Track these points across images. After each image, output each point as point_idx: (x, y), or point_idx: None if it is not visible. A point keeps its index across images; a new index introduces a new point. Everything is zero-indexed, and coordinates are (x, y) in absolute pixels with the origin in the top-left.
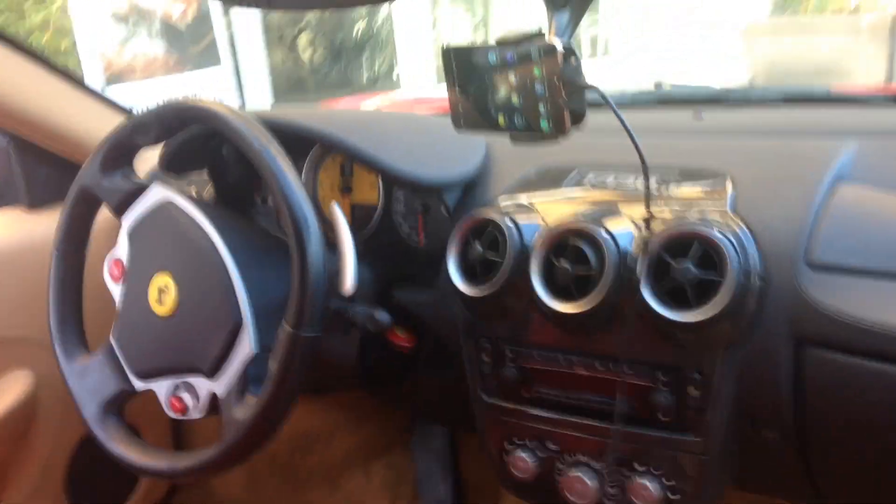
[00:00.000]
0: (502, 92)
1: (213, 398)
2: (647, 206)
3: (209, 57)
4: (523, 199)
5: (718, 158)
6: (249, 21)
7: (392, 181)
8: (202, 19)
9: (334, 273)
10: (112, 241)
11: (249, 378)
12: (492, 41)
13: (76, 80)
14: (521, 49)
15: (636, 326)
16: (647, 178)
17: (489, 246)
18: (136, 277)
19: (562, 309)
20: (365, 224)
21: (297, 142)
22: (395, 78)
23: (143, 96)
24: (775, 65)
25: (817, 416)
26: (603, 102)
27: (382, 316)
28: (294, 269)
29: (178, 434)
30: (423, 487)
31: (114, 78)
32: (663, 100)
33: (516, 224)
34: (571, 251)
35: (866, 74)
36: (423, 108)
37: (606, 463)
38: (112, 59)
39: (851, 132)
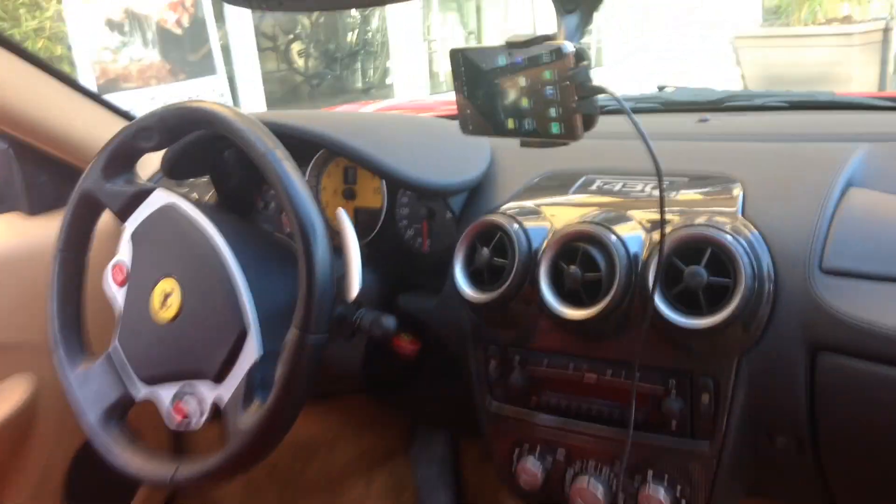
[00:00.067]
0: (511, 95)
1: (218, 404)
2: (662, 210)
3: (204, 65)
4: (530, 203)
5: (725, 163)
6: (243, 29)
7: (397, 186)
8: (197, 27)
9: (340, 278)
10: (113, 246)
11: (254, 384)
12: (484, 44)
13: (77, 85)
14: (531, 52)
15: (646, 332)
16: (661, 183)
17: (496, 251)
18: (139, 282)
19: (571, 315)
20: (368, 229)
21: (301, 146)
22: (388, 86)
23: (138, 104)
24: (767, 74)
25: (831, 421)
26: (610, 107)
27: (388, 321)
28: (301, 274)
29: (179, 439)
30: (424, 494)
31: (108, 85)
32: (667, 104)
33: (524, 229)
34: (580, 256)
35: (857, 83)
36: (427, 113)
37: (619, 470)
38: (107, 66)
39: (858, 137)
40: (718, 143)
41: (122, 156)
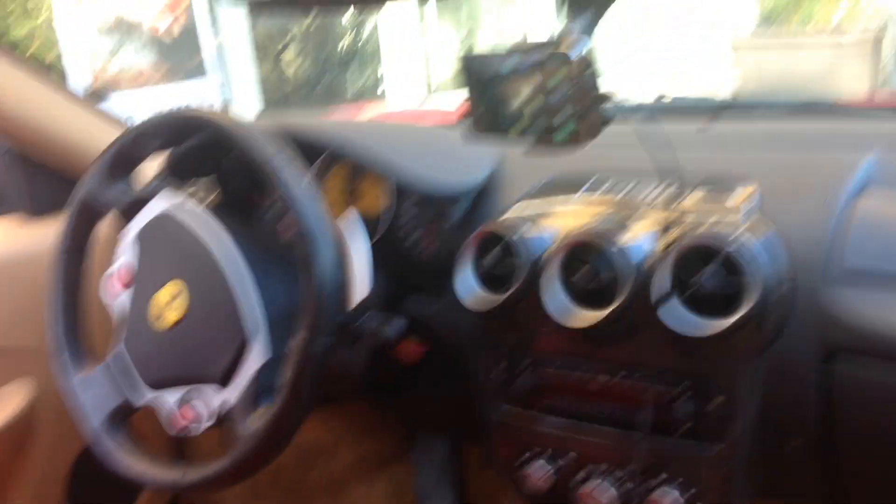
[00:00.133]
0: (519, 100)
1: (223, 408)
2: (673, 214)
3: (196, 70)
4: (536, 208)
5: (732, 168)
6: (238, 35)
7: (404, 189)
8: (189, 33)
9: (347, 281)
10: (112, 252)
11: (261, 388)
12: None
13: (73, 94)
14: (538, 57)
15: (657, 335)
16: (675, 186)
17: (502, 256)
18: (143, 286)
19: (578, 320)
20: (372, 233)
21: (304, 151)
22: (380, 91)
23: (129, 109)
24: (762, 80)
25: (845, 424)
26: (616, 113)
27: (396, 325)
28: (307, 278)
29: (180, 444)
30: (425, 499)
31: (100, 91)
32: (666, 112)
33: (530, 233)
34: (588, 260)
35: (850, 90)
36: (429, 120)
37: (632, 473)
38: (98, 72)
39: (865, 144)
40: (725, 147)
41: (120, 161)
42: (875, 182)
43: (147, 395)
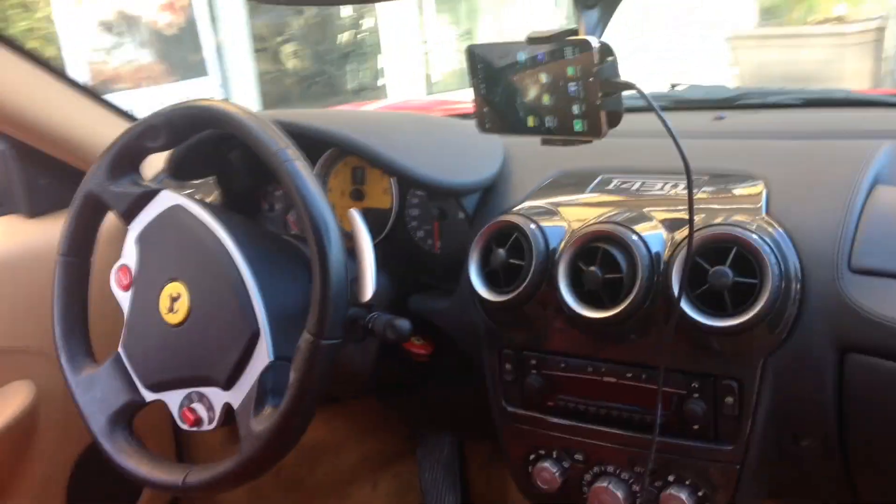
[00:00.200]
0: (532, 92)
1: (228, 409)
2: (691, 209)
3: (197, 66)
4: (546, 203)
5: (744, 161)
6: (237, 30)
7: (410, 185)
8: (189, 29)
9: (353, 280)
10: (117, 249)
11: (266, 388)
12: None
13: (77, 84)
14: (553, 47)
15: (669, 333)
16: (690, 181)
17: (512, 251)
18: (145, 285)
19: (591, 315)
20: (377, 230)
21: (309, 145)
22: (380, 87)
23: (131, 105)
24: (761, 73)
25: (860, 423)
26: (629, 104)
27: (403, 324)
28: (315, 276)
29: (182, 444)
30: (429, 498)
31: (100, 86)
32: (680, 102)
33: (541, 228)
34: (600, 256)
35: (852, 83)
36: (439, 111)
37: (641, 473)
38: (98, 67)
39: (881, 134)
40: (736, 140)
41: (127, 156)
42: (889, 175)
43: (149, 397)
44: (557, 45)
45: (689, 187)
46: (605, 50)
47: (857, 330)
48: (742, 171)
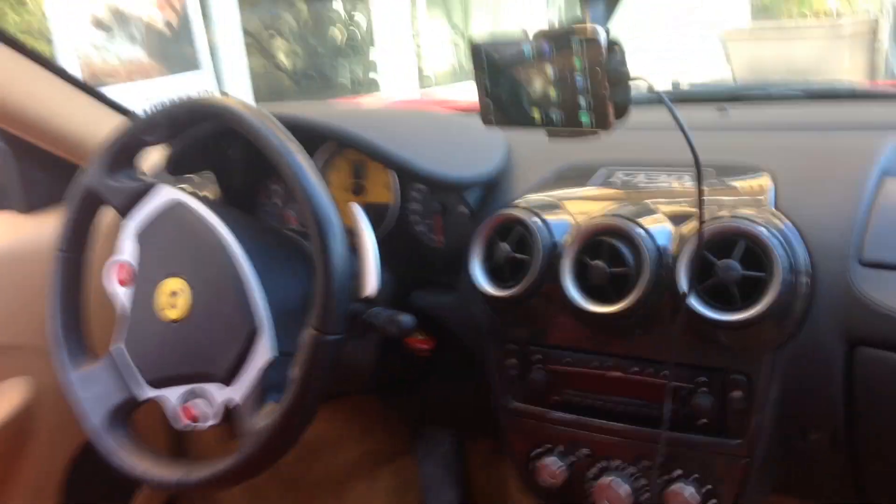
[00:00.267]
0: (538, 85)
1: (228, 406)
2: (700, 202)
3: (191, 62)
4: (550, 197)
5: (750, 154)
6: (230, 27)
7: (411, 180)
8: (184, 25)
9: (355, 275)
10: (111, 244)
11: (267, 385)
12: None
13: (73, 79)
14: (559, 40)
15: (675, 327)
16: (699, 173)
17: (516, 245)
18: (144, 281)
19: (597, 310)
20: (378, 225)
21: (308, 140)
22: (374, 83)
23: (123, 100)
24: (755, 69)
25: (868, 417)
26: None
27: (406, 319)
28: (318, 271)
29: (180, 441)
30: (429, 494)
31: (92, 81)
32: (682, 96)
33: (545, 222)
34: (605, 250)
35: (845, 77)
36: (437, 108)
37: (646, 469)
38: (91, 62)
39: (888, 126)
40: (741, 133)
41: (125, 151)
42: None
43: (149, 393)
44: (564, 37)
45: (699, 180)
46: (613, 41)
47: (866, 323)
48: (748, 163)
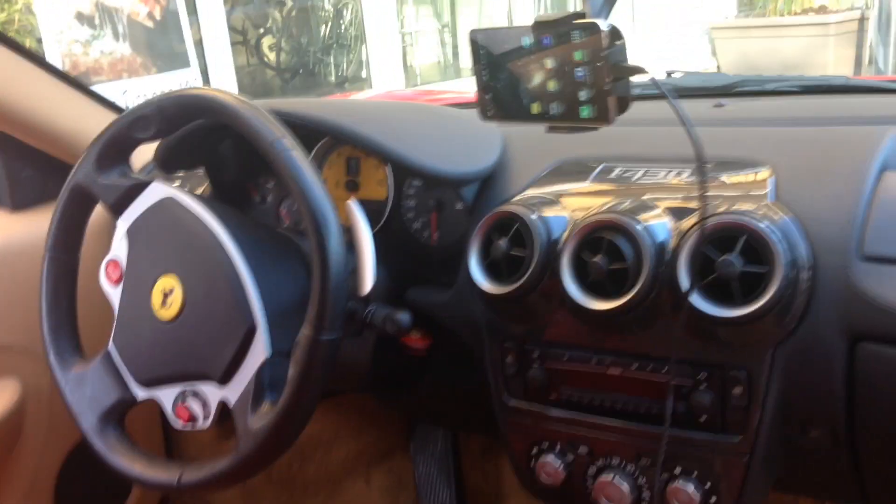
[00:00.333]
0: (537, 78)
1: (223, 406)
2: (703, 197)
3: (177, 58)
4: (547, 193)
5: (748, 148)
6: (216, 23)
7: (408, 175)
8: (170, 20)
9: (352, 272)
10: (104, 243)
11: (263, 384)
12: (459, 41)
13: (62, 75)
14: (560, 31)
15: (675, 323)
16: (702, 168)
17: (514, 242)
18: (137, 280)
19: (595, 306)
20: (373, 222)
21: (302, 135)
22: (362, 79)
23: (110, 97)
24: (743, 63)
25: (870, 413)
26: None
27: (403, 316)
28: (315, 269)
29: (172, 442)
30: (423, 492)
31: (79, 78)
32: (678, 90)
33: (543, 218)
34: (605, 246)
35: (833, 72)
36: (435, 100)
37: (646, 466)
38: (78, 59)
39: (884, 120)
40: (738, 128)
41: (116, 147)
42: None
43: (142, 394)
44: (564, 28)
45: (701, 175)
46: (614, 33)
47: (868, 318)
48: (746, 158)
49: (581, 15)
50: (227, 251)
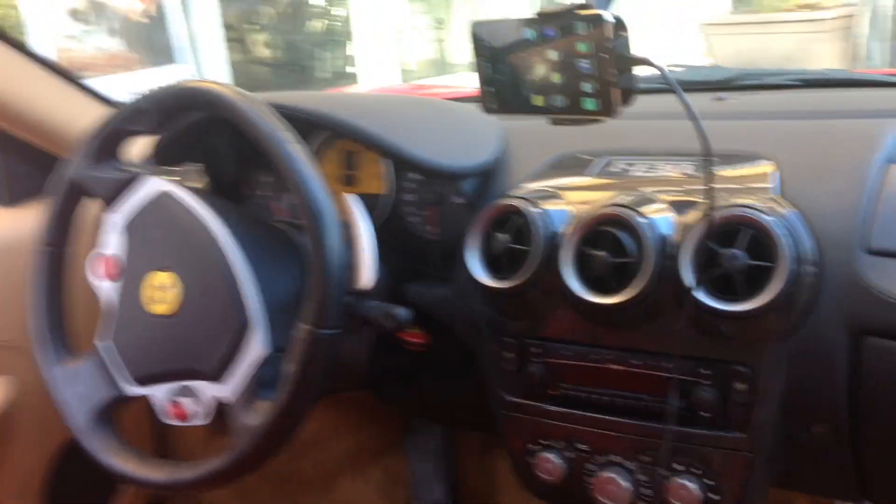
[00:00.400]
0: (540, 71)
1: (218, 404)
2: (710, 191)
3: (168, 54)
4: (548, 186)
5: (750, 142)
6: (209, 19)
7: (408, 169)
8: (161, 17)
9: (350, 267)
10: (92, 237)
11: (259, 382)
12: (448, 39)
13: (56, 68)
14: (563, 23)
15: (678, 319)
16: (709, 161)
17: (515, 236)
18: (131, 275)
19: (598, 301)
20: (371, 216)
21: (299, 128)
22: (354, 75)
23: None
24: (736, 60)
25: (873, 409)
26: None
27: (402, 312)
28: (313, 264)
29: (163, 439)
30: (418, 490)
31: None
32: (679, 83)
33: (545, 212)
34: (607, 240)
35: (826, 67)
36: (435, 93)
37: (648, 463)
38: (68, 55)
39: (887, 114)
40: (740, 121)
41: (111, 141)
42: None
43: (135, 391)
44: (568, 20)
45: (708, 168)
46: (620, 24)
47: (873, 313)
48: (749, 151)
49: (585, 6)
50: (224, 246)
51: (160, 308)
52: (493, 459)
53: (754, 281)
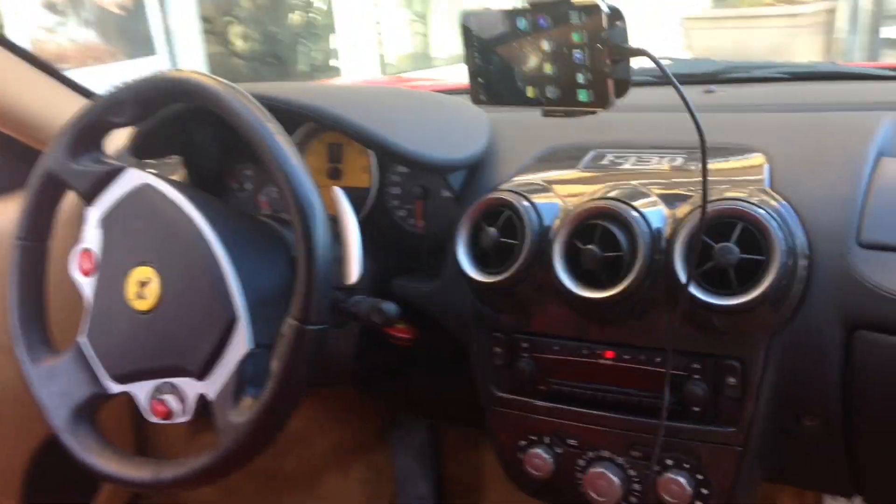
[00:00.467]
0: (532, 61)
1: (202, 401)
2: (705, 185)
3: (145, 46)
4: (538, 179)
5: (741, 134)
6: (185, 10)
7: (393, 162)
8: (137, 8)
9: (337, 262)
10: (76, 232)
11: (245, 378)
12: (431, 30)
13: (31, 58)
14: (557, 12)
15: (669, 313)
16: (704, 154)
17: (504, 230)
18: (111, 270)
19: (589, 296)
20: (357, 210)
21: (283, 120)
22: (333, 68)
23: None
24: (715, 54)
25: (866, 402)
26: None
27: (389, 307)
28: (300, 258)
29: (143, 437)
30: (403, 485)
31: None
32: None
33: (534, 205)
34: (599, 234)
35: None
36: (421, 86)
37: (636, 460)
38: (43, 46)
39: (877, 106)
40: (729, 114)
41: (89, 132)
42: (893, 147)
43: (116, 388)
44: (562, 9)
45: (704, 161)
46: (615, 14)
47: (866, 306)
48: (739, 144)
49: None
50: (207, 240)
51: (140, 304)
52: (478, 454)
53: (746, 274)
